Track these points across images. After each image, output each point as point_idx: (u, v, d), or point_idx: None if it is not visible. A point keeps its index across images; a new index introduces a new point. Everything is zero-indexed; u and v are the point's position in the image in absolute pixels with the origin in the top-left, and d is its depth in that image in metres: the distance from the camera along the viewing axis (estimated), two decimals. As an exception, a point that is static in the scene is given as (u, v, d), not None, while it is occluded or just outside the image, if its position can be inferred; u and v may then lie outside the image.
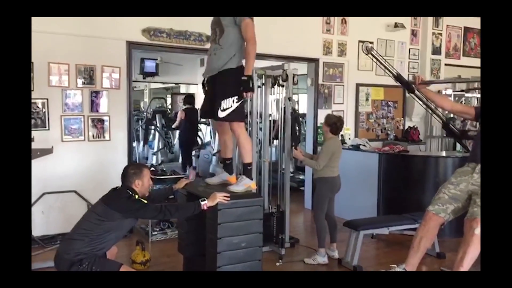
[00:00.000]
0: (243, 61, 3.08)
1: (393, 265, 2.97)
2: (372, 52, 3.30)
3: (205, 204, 2.83)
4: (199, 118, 7.87)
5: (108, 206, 2.83)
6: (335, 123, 4.26)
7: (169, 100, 13.05)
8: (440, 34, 7.31)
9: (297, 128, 4.51)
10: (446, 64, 7.39)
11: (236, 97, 2.99)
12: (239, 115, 3.05)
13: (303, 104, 7.81)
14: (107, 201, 2.88)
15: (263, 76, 4.61)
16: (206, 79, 3.20)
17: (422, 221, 2.99)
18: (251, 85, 2.98)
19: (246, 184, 3.13)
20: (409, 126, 7.14)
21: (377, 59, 3.34)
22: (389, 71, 3.35)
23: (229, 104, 2.98)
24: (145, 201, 2.90)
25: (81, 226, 2.85)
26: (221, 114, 2.98)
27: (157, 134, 8.79)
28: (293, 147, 4.35)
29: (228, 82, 3.00)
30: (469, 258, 2.57)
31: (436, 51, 7.28)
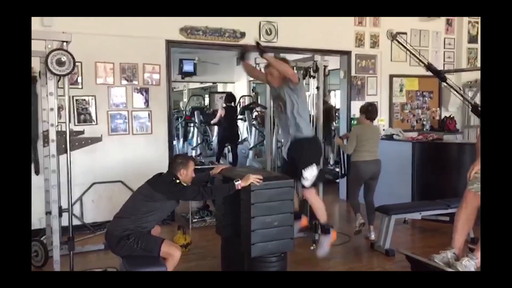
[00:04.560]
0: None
1: (443, 251, 2.87)
2: (397, 39, 3.38)
3: (238, 184, 3.05)
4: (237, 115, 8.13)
5: (153, 188, 3.11)
6: (367, 108, 4.54)
7: (207, 99, 13.42)
8: (477, 22, 7.17)
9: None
10: (483, 53, 7.26)
11: (314, 164, 3.52)
12: (312, 183, 3.58)
13: (339, 100, 7.88)
14: (152, 183, 3.16)
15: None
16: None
17: (463, 202, 2.89)
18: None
19: (328, 244, 3.70)
20: (445, 116, 7.07)
21: (404, 46, 3.43)
22: (417, 58, 3.41)
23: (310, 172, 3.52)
24: (185, 184, 3.15)
25: (128, 205, 3.15)
26: (306, 183, 3.56)
27: (195, 129, 9.13)
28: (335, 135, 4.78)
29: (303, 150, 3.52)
30: None
31: (472, 39, 7.16)
